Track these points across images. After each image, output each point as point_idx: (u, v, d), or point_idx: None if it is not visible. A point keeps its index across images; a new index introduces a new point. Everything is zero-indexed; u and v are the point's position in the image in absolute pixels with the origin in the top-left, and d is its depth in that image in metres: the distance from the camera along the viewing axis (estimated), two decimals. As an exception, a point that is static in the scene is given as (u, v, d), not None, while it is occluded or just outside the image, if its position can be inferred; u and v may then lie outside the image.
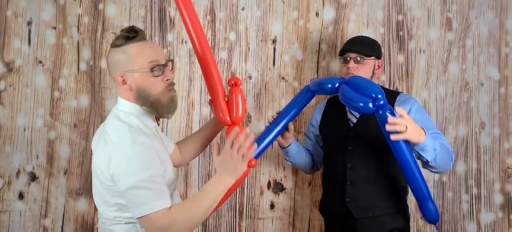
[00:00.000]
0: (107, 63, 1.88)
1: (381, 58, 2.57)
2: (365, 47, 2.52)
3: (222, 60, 2.96)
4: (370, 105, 2.16)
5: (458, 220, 2.94)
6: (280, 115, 2.45)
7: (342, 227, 2.48)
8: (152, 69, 1.80)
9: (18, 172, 2.90)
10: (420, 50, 2.97)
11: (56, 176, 2.91)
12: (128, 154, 1.71)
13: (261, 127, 2.96)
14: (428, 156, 2.24)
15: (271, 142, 2.42)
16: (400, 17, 2.98)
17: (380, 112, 2.16)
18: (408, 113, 2.35)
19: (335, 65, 2.99)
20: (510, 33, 2.97)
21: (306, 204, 2.97)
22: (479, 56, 2.96)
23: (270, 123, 2.47)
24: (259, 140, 2.38)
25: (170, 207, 1.73)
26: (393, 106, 2.40)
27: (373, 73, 2.53)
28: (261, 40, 2.98)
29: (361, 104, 2.18)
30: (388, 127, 2.15)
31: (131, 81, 1.82)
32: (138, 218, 1.71)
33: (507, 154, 2.94)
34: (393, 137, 2.16)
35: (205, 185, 1.81)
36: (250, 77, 2.97)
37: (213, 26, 2.97)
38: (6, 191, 2.89)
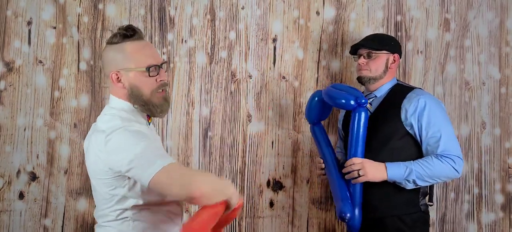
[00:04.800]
0: (102, 60, 1.92)
1: (397, 53, 2.54)
2: (374, 42, 2.53)
3: (222, 59, 2.96)
4: (352, 102, 2.31)
5: (459, 220, 2.93)
6: (325, 162, 2.57)
7: None
8: (148, 69, 1.82)
9: (18, 172, 2.89)
10: (418, 50, 2.97)
11: (56, 176, 2.91)
12: (123, 135, 1.72)
13: (261, 126, 2.96)
14: (407, 186, 2.35)
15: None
16: (399, 18, 2.98)
17: (357, 110, 2.33)
18: (411, 114, 2.36)
19: (336, 64, 2.98)
20: (511, 33, 2.97)
21: (304, 202, 2.97)
22: (479, 55, 2.96)
23: (325, 170, 2.58)
24: (342, 195, 2.44)
25: (174, 163, 1.72)
26: (401, 104, 2.40)
27: (387, 67, 2.51)
28: (261, 39, 2.98)
29: (343, 101, 2.34)
30: (344, 171, 2.39)
31: (125, 79, 1.84)
32: (152, 177, 1.66)
33: (508, 154, 2.93)
34: (353, 181, 2.37)
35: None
36: (250, 77, 2.97)
37: (212, 25, 2.97)
38: (6, 190, 2.89)
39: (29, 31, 2.92)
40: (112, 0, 2.95)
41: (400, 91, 2.47)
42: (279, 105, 2.97)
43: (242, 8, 2.97)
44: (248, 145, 2.96)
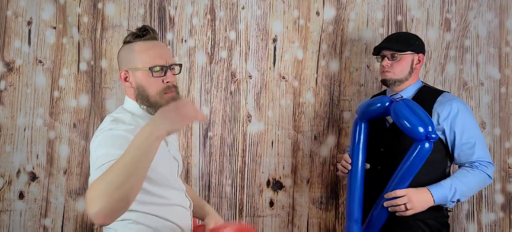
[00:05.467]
0: (117, 59, 1.92)
1: (422, 52, 2.47)
2: (399, 43, 2.44)
3: (222, 59, 2.96)
4: (421, 130, 2.14)
5: (459, 220, 2.93)
6: (353, 164, 2.44)
7: None
8: (151, 69, 1.80)
9: (18, 172, 2.89)
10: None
11: (56, 176, 2.91)
12: (101, 137, 1.71)
13: (261, 126, 2.96)
14: (449, 206, 2.31)
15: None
16: (399, 18, 2.98)
17: (423, 142, 2.15)
18: (444, 119, 2.32)
19: (335, 65, 2.98)
20: (511, 33, 2.97)
21: (304, 202, 2.96)
22: (478, 56, 2.96)
23: (348, 173, 2.47)
24: (354, 206, 2.42)
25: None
26: (431, 107, 2.34)
27: (412, 68, 2.44)
28: (261, 40, 2.98)
29: (409, 126, 2.15)
30: (386, 204, 2.27)
31: (133, 79, 1.83)
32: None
33: (508, 154, 2.93)
34: (398, 214, 2.26)
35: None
36: (250, 77, 2.97)
37: (213, 25, 2.97)
38: (6, 190, 2.88)
39: (29, 31, 2.92)
40: None
41: (428, 94, 2.42)
42: (279, 105, 2.97)
43: (242, 8, 2.97)
44: (248, 145, 2.96)
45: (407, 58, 2.43)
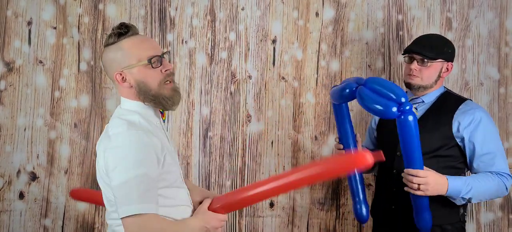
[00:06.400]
0: (103, 64, 1.85)
1: (451, 61, 2.40)
2: (431, 49, 2.35)
3: (222, 60, 2.97)
4: (394, 109, 1.99)
5: (458, 219, 2.94)
6: (342, 141, 2.43)
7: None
8: (150, 60, 1.76)
9: (19, 172, 2.90)
10: (420, 50, 2.97)
11: (57, 176, 2.91)
12: (121, 149, 1.68)
13: (261, 127, 2.96)
14: (458, 202, 2.25)
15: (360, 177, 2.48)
16: (400, 17, 2.98)
17: (402, 117, 2.00)
18: (465, 128, 2.28)
19: (335, 65, 2.99)
20: (510, 33, 2.97)
21: (305, 203, 2.97)
22: (479, 55, 2.96)
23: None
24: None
25: (149, 215, 1.67)
26: (453, 115, 2.31)
27: (439, 76, 2.38)
28: (261, 40, 2.98)
29: (380, 107, 2.02)
30: (403, 175, 2.18)
31: (130, 77, 1.78)
32: (123, 217, 1.65)
33: (507, 154, 2.94)
34: (406, 189, 2.17)
35: (186, 219, 1.85)
36: (250, 77, 2.97)
37: (213, 26, 2.97)
38: (6, 190, 2.89)
39: (29, 31, 2.93)
40: (112, 0, 2.95)
41: (450, 100, 2.39)
42: (279, 105, 2.97)
43: (242, 9, 2.98)
44: (248, 145, 2.96)
45: (437, 65, 2.37)
